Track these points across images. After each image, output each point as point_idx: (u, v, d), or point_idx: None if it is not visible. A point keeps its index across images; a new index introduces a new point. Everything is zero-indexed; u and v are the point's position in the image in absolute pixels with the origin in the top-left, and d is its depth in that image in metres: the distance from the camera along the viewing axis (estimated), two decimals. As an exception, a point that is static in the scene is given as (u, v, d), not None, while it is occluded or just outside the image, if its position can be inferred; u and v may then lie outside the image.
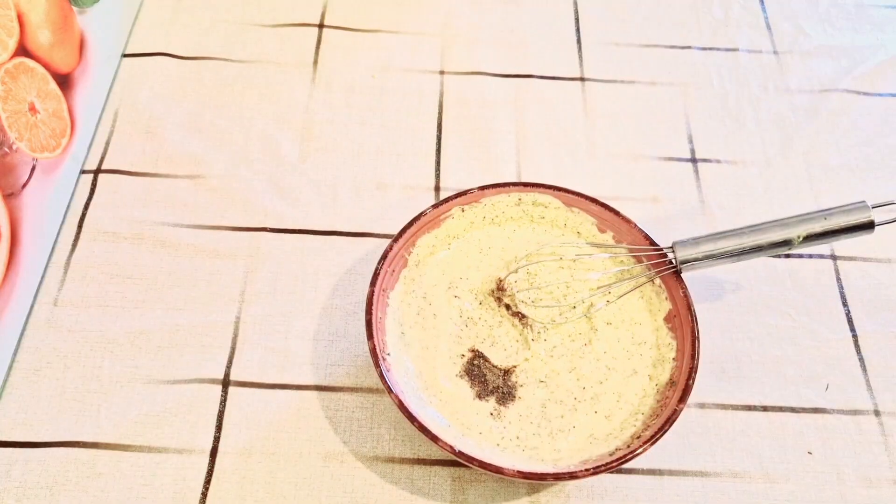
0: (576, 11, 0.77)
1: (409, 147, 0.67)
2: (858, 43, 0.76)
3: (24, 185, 0.55)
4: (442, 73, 0.72)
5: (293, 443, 0.52)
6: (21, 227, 0.54)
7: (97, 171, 0.64)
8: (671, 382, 0.50)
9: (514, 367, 0.53)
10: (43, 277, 0.58)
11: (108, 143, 0.65)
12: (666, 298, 0.53)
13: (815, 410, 0.55)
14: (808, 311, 0.59)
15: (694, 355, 0.49)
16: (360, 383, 0.55)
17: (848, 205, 0.51)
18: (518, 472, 0.45)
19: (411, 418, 0.46)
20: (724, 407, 0.55)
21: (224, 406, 0.53)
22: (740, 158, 0.67)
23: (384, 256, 0.53)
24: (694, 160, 0.67)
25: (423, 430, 0.46)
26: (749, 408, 0.55)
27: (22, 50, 0.55)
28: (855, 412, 0.55)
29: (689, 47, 0.75)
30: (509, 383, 0.52)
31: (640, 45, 0.75)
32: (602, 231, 0.57)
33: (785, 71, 0.73)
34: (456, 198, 0.56)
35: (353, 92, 0.70)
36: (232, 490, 0.50)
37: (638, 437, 0.48)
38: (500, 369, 0.53)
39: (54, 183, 0.59)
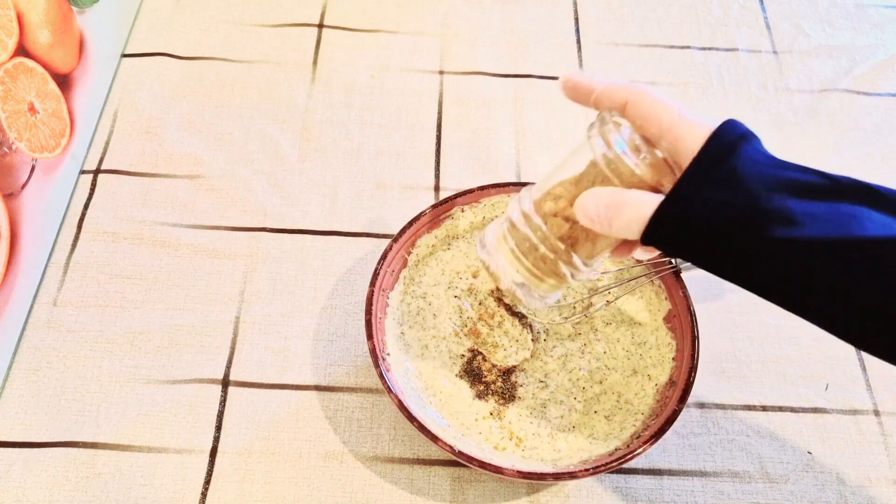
0: (575, 11, 0.77)
1: (409, 147, 0.67)
2: (858, 43, 0.76)
3: (24, 186, 0.55)
4: (441, 72, 0.72)
5: (293, 443, 0.52)
6: (21, 227, 0.54)
7: (97, 172, 0.64)
8: (671, 382, 0.50)
9: (514, 367, 0.53)
10: (42, 277, 0.58)
11: (107, 144, 0.65)
12: (666, 298, 0.53)
13: (815, 410, 0.55)
14: (808, 311, 0.59)
15: (694, 355, 0.49)
16: (360, 383, 0.55)
17: None
18: (518, 472, 0.45)
19: (411, 418, 0.46)
20: (723, 407, 0.55)
21: (224, 406, 0.53)
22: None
23: (384, 256, 0.53)
24: (693, 160, 0.67)
25: (422, 430, 0.46)
26: (749, 408, 0.55)
27: (21, 50, 0.55)
28: (855, 412, 0.55)
29: (688, 47, 0.75)
30: (509, 383, 0.52)
31: (639, 45, 0.75)
32: (602, 231, 0.57)
33: (784, 71, 0.73)
34: (456, 198, 0.56)
35: (352, 92, 0.70)
36: (232, 490, 0.50)
37: (637, 437, 0.48)
38: (500, 369, 0.53)
39: (54, 183, 0.59)
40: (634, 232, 0.36)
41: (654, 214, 0.35)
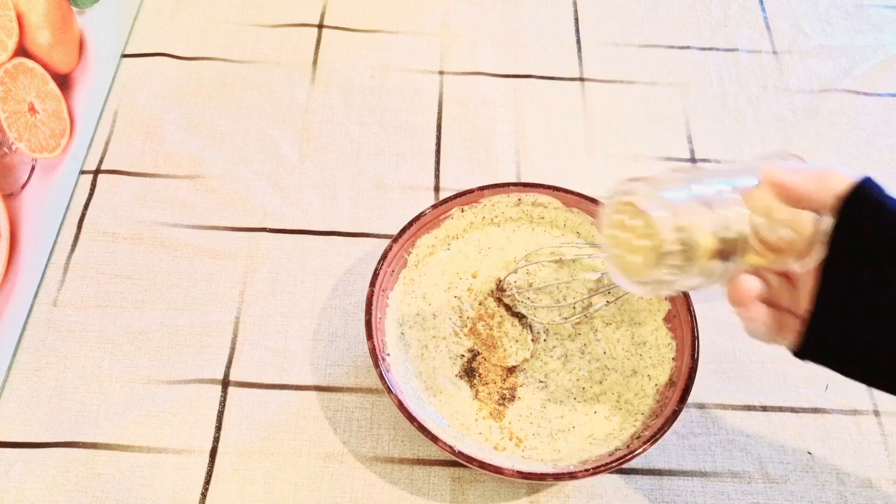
0: (575, 11, 0.77)
1: (409, 147, 0.67)
2: (857, 43, 0.76)
3: (24, 186, 0.55)
4: (441, 73, 0.72)
5: (293, 443, 0.52)
6: (20, 228, 0.54)
7: (96, 172, 0.64)
8: (671, 382, 0.50)
9: (514, 367, 0.53)
10: (42, 278, 0.58)
11: (107, 144, 0.65)
12: (666, 298, 0.53)
13: (815, 410, 0.55)
14: (808, 311, 0.59)
15: (693, 355, 0.49)
16: (360, 383, 0.55)
17: None
18: (517, 472, 0.45)
19: (411, 418, 0.46)
20: (723, 407, 0.55)
21: (224, 406, 0.53)
22: (740, 158, 0.67)
23: (384, 257, 0.53)
24: (693, 160, 0.67)
25: (422, 430, 0.46)
26: (749, 408, 0.55)
27: (21, 50, 0.55)
28: (855, 412, 0.55)
29: (688, 47, 0.75)
30: (509, 383, 0.52)
31: (639, 46, 0.75)
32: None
33: (784, 71, 0.73)
34: (455, 198, 0.56)
35: (352, 92, 0.70)
36: (232, 490, 0.50)
37: (637, 438, 0.48)
38: (500, 369, 0.53)
39: (54, 183, 0.59)
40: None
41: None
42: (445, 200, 0.56)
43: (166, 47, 0.72)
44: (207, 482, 0.50)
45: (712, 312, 0.59)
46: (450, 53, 0.73)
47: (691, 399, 0.49)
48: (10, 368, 0.54)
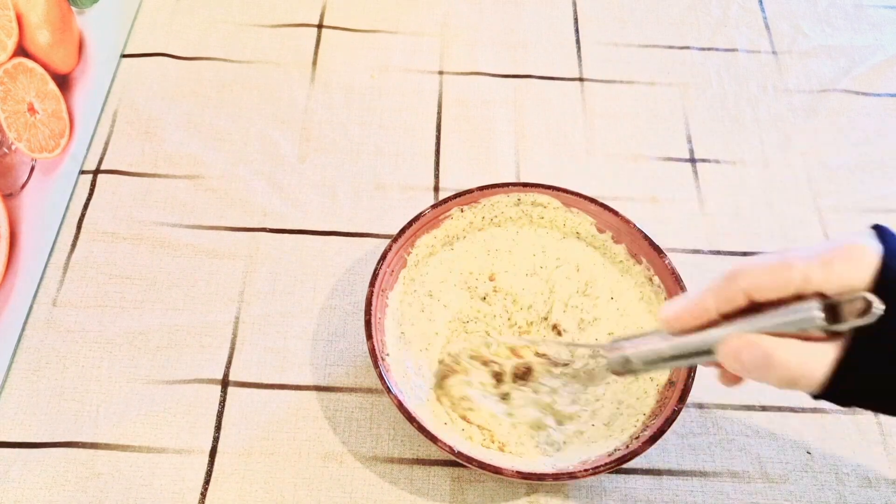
0: (575, 12, 0.77)
1: (409, 147, 0.67)
2: (857, 43, 0.76)
3: (23, 186, 0.55)
4: (441, 73, 0.72)
5: (292, 443, 0.52)
6: (20, 228, 0.54)
7: (96, 172, 0.64)
8: (670, 383, 0.50)
9: (503, 373, 0.53)
10: (42, 278, 0.58)
11: (107, 144, 0.65)
12: (666, 299, 0.53)
13: (815, 410, 0.55)
14: (807, 311, 0.59)
15: (693, 355, 0.49)
16: (360, 383, 0.55)
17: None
18: (517, 472, 0.45)
19: (410, 418, 0.46)
20: (723, 407, 0.55)
21: (223, 406, 0.53)
22: (739, 158, 0.67)
23: (383, 257, 0.53)
24: (693, 160, 0.67)
25: (422, 430, 0.46)
26: (748, 408, 0.55)
27: (21, 50, 0.55)
28: (854, 412, 0.55)
29: (687, 47, 0.75)
30: (508, 384, 0.52)
31: (638, 46, 0.75)
32: (601, 231, 0.57)
33: (783, 71, 0.73)
34: (455, 198, 0.56)
35: (352, 92, 0.70)
36: (231, 490, 0.50)
37: (637, 438, 0.48)
38: (496, 377, 0.53)
39: (53, 183, 0.59)
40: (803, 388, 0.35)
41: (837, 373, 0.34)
42: (445, 200, 0.56)
43: (166, 47, 0.72)
44: (207, 482, 0.50)
45: (712, 312, 0.59)
46: (449, 53, 0.73)
47: (691, 399, 0.49)
48: (9, 368, 0.54)
